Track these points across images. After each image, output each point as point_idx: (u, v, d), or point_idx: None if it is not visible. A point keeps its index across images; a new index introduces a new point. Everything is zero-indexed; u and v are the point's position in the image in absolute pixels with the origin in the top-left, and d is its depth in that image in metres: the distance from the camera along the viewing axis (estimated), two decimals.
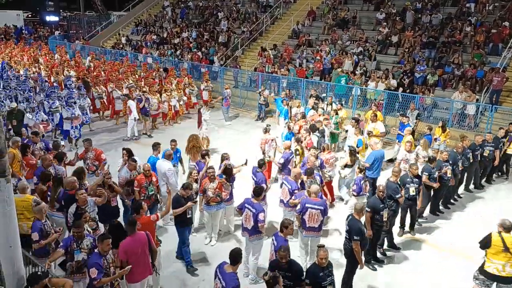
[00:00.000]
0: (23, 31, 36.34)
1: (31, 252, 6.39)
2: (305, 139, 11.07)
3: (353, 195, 9.18)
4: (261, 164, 9.01)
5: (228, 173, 8.62)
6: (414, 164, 9.25)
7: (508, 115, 14.52)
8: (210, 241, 8.70)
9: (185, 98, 17.78)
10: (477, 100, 15.18)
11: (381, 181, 9.18)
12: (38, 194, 7.58)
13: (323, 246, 6.02)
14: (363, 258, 7.04)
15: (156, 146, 9.62)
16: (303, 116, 13.32)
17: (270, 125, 11.72)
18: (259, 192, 7.49)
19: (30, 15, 48.85)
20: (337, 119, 13.59)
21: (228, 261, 5.67)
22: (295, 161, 10.27)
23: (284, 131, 12.76)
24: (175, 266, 7.96)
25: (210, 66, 22.54)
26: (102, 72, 19.21)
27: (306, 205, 7.52)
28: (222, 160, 9.15)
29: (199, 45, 25.21)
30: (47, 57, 23.01)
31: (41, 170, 8.34)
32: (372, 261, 8.18)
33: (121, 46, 28.82)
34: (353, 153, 10.36)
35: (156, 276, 6.81)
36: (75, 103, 13.85)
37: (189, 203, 7.47)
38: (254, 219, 7.17)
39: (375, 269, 8.08)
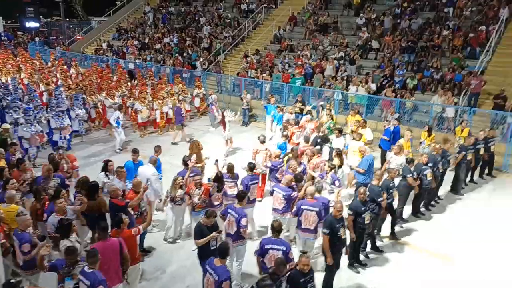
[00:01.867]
0: (3, 37, 35.76)
1: (18, 264, 6.29)
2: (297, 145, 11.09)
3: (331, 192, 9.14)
4: (252, 166, 9.04)
5: (221, 180, 8.66)
6: (393, 169, 9.36)
7: (486, 118, 14.84)
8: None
9: (178, 105, 17.12)
10: (455, 103, 15.48)
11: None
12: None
13: (306, 252, 6.07)
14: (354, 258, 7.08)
15: (136, 151, 9.75)
16: (297, 123, 13.34)
17: (265, 136, 11.51)
18: (242, 196, 7.53)
19: (9, 21, 48.14)
20: (331, 124, 13.61)
21: None
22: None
23: (276, 138, 12.74)
24: (159, 283, 7.81)
25: (193, 71, 22.52)
26: (93, 81, 18.79)
27: (302, 206, 7.67)
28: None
29: (181, 50, 25.17)
30: (29, 65, 22.58)
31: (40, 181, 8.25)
32: (356, 264, 8.25)
33: (102, 51, 28.58)
34: (339, 154, 10.51)
35: (125, 285, 6.59)
36: (63, 112, 13.61)
37: (214, 234, 6.78)
38: (236, 224, 7.18)
39: (358, 272, 8.15)
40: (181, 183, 8.49)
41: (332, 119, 13.95)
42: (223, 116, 13.79)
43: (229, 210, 7.42)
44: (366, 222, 7.87)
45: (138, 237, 6.94)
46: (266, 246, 6.42)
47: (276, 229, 6.50)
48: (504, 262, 8.58)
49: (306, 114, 14.55)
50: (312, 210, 7.60)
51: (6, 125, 12.32)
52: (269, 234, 6.86)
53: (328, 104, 15.38)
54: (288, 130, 12.70)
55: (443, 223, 10.20)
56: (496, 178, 13.09)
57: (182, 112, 15.60)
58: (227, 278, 5.50)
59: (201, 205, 8.27)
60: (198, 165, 9.94)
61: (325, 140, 11.75)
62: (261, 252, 6.47)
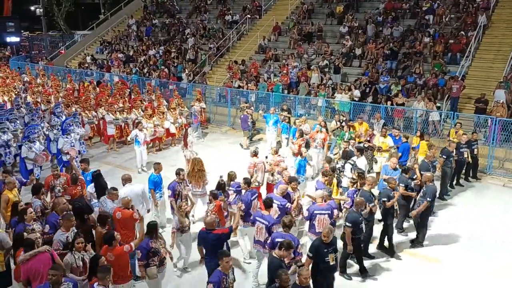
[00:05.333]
0: None
1: None
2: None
3: (345, 208, 8.92)
4: (249, 181, 8.95)
5: (223, 188, 8.75)
6: (393, 179, 9.19)
7: (469, 121, 15.14)
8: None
9: (180, 120, 16.79)
10: (438, 107, 15.75)
11: None
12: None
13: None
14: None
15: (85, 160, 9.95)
16: (301, 135, 12.83)
17: (258, 148, 11.13)
18: (269, 203, 7.68)
19: None
20: (351, 134, 13.10)
21: None
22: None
23: (290, 152, 12.50)
24: None
25: (178, 83, 22.53)
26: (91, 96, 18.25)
27: (315, 211, 7.92)
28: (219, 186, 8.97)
29: (166, 62, 25.19)
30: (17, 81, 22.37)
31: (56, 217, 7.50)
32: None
33: (87, 65, 28.43)
34: (361, 176, 9.58)
35: None
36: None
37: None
38: (267, 231, 7.31)
39: (350, 279, 8.23)
40: (186, 209, 8.12)
41: (349, 129, 13.49)
42: (186, 133, 13.06)
43: (257, 218, 7.59)
44: (363, 232, 8.03)
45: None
46: (277, 240, 6.67)
47: (287, 224, 6.88)
48: (492, 264, 8.75)
49: (317, 124, 14.05)
50: (324, 214, 7.87)
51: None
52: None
53: (337, 115, 15.08)
54: (295, 144, 12.33)
55: (431, 227, 10.25)
56: (481, 180, 13.33)
57: (248, 119, 15.64)
58: None
59: None
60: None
61: (347, 156, 11.04)
62: (273, 246, 6.72)
